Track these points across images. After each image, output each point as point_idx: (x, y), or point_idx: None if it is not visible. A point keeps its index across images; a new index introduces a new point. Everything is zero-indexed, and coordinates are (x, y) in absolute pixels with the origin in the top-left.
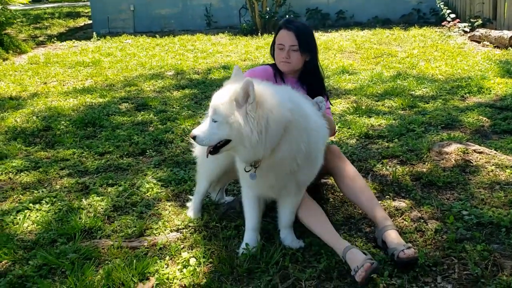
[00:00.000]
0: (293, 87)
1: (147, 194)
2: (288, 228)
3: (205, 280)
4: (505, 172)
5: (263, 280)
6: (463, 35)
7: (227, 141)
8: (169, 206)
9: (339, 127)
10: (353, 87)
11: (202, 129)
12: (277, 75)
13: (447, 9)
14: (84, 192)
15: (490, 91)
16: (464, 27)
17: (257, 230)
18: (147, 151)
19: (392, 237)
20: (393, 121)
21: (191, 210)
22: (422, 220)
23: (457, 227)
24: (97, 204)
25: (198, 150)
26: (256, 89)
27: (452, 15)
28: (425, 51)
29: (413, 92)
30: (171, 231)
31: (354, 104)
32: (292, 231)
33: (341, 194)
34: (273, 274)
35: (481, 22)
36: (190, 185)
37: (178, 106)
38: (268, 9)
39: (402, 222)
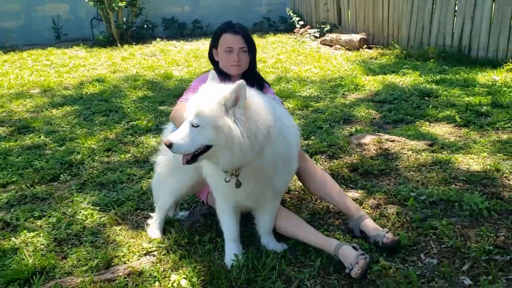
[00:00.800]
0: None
1: (87, 221)
2: (269, 233)
3: None
4: (422, 155)
5: None
6: (315, 40)
7: (207, 148)
8: (120, 230)
9: None
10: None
11: (179, 135)
12: (226, 80)
13: (296, 17)
14: (8, 230)
15: (365, 87)
16: (314, 32)
17: (238, 240)
18: (61, 175)
19: (370, 225)
20: (299, 121)
21: (154, 229)
22: (382, 207)
23: (416, 208)
24: (35, 241)
25: (162, 164)
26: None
27: (301, 22)
28: (290, 56)
29: (300, 94)
30: (140, 255)
31: None
32: (273, 235)
33: (296, 192)
34: (275, 279)
35: (329, 27)
36: (131, 205)
37: (68, 124)
38: (124, 19)
39: (364, 210)
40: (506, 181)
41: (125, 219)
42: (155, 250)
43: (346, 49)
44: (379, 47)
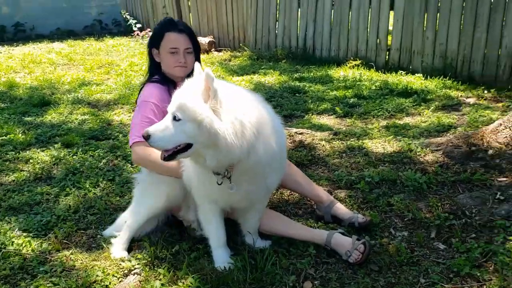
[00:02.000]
0: None
1: (24, 251)
2: (255, 232)
3: None
4: (334, 143)
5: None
6: None
7: (187, 146)
8: (73, 254)
9: None
10: (109, 98)
11: (159, 127)
12: (170, 86)
13: (133, 19)
14: None
15: None
16: None
17: (225, 245)
18: None
19: (342, 209)
20: None
21: (119, 249)
22: (332, 192)
23: (366, 189)
24: None
25: (142, 175)
26: (223, 89)
27: (139, 25)
28: (142, 58)
29: None
30: (121, 276)
31: None
32: (257, 233)
33: None
34: (282, 273)
35: None
36: (69, 225)
37: None
38: None
39: None
40: (421, 157)
41: (70, 242)
42: (137, 268)
43: None
44: (228, 50)
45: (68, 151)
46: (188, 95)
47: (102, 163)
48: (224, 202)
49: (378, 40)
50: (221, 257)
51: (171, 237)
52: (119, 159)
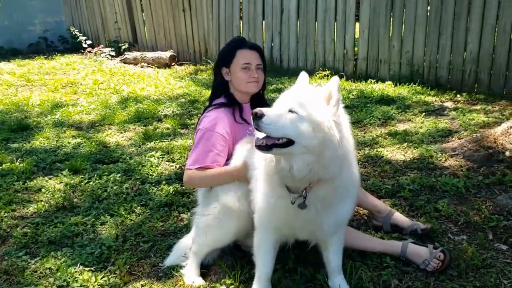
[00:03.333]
0: (244, 116)
1: (92, 287)
2: (338, 273)
3: None
4: None
5: None
6: (112, 59)
7: (287, 143)
8: (147, 286)
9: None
10: (91, 118)
11: (273, 112)
12: (235, 107)
13: (82, 36)
14: None
15: None
16: (110, 51)
17: (269, 279)
18: None
19: (402, 217)
20: None
21: (193, 276)
22: None
23: (409, 197)
24: None
25: (203, 207)
26: None
27: (89, 42)
28: (105, 76)
29: (161, 113)
30: None
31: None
32: (343, 277)
33: None
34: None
35: (127, 46)
36: (127, 256)
37: None
38: None
39: None
40: (444, 163)
41: (135, 273)
42: None
43: (156, 66)
44: (190, 64)
45: (81, 178)
46: (311, 95)
47: (124, 188)
48: (287, 228)
49: (345, 50)
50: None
51: (240, 259)
52: (138, 182)
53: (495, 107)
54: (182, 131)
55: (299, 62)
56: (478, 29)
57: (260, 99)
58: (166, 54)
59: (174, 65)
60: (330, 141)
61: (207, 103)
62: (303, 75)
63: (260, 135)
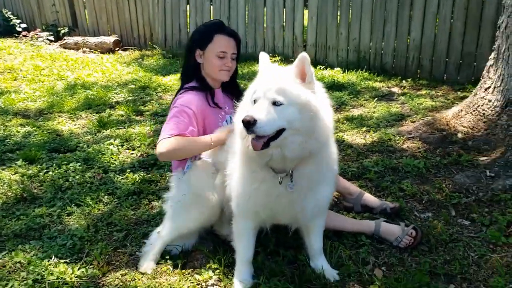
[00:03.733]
0: (223, 100)
1: (69, 279)
2: (319, 255)
3: None
4: None
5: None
6: (51, 43)
7: (278, 133)
8: (128, 275)
9: None
10: (38, 106)
11: (262, 112)
12: (207, 92)
13: (16, 19)
14: None
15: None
16: (48, 36)
17: (250, 263)
18: None
19: (371, 198)
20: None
21: (149, 261)
22: None
23: (374, 178)
24: None
25: (174, 193)
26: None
27: (23, 25)
28: (46, 62)
29: (114, 100)
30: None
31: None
32: (324, 258)
33: None
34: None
35: (67, 30)
36: (103, 246)
37: None
38: None
39: None
40: (402, 145)
41: (113, 263)
42: (212, 279)
43: (99, 52)
44: (135, 49)
45: (39, 168)
46: (285, 79)
47: (87, 177)
48: (267, 213)
49: (294, 36)
50: (242, 274)
51: (221, 245)
52: (100, 171)
53: (438, 92)
54: (138, 118)
55: (249, 47)
56: (420, 18)
57: (233, 85)
58: (109, 39)
59: (118, 50)
60: (318, 115)
61: (159, 89)
62: (264, 55)
63: (250, 136)
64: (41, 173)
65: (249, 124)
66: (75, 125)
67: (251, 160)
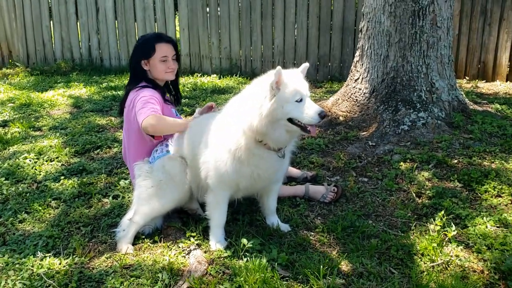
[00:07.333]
0: (166, 97)
1: (60, 268)
2: (274, 214)
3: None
4: None
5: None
6: None
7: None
8: (115, 257)
9: None
10: None
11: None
12: (160, 89)
13: None
14: None
15: (61, 103)
16: None
17: (223, 226)
18: None
19: (293, 170)
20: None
21: (125, 243)
22: None
23: None
24: None
25: (166, 167)
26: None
27: None
28: None
29: (0, 118)
30: (186, 254)
31: None
32: (276, 215)
33: None
34: (299, 218)
35: None
36: (77, 239)
37: None
38: None
39: None
40: None
41: (95, 250)
42: (193, 244)
43: None
44: None
45: None
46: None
47: (21, 188)
48: (250, 183)
49: None
50: (218, 237)
51: (187, 219)
52: (32, 181)
53: None
54: (36, 133)
55: (121, 60)
56: (281, 27)
57: (175, 83)
58: None
59: None
60: None
61: (45, 105)
62: (280, 68)
63: (283, 127)
64: None
65: (325, 117)
66: None
67: (254, 147)
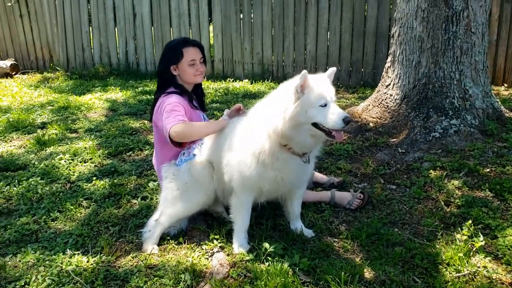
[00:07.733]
0: (194, 101)
1: (87, 266)
2: (298, 219)
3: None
4: None
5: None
6: None
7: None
8: (140, 256)
9: None
10: None
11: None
12: (188, 95)
13: None
14: None
15: (97, 106)
16: None
17: (246, 231)
18: None
19: (320, 175)
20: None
21: (151, 244)
22: None
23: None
24: None
25: (192, 170)
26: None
27: None
28: None
29: (37, 120)
30: (209, 256)
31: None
32: (301, 221)
33: None
34: (326, 224)
35: None
36: (105, 238)
37: None
38: None
39: None
40: None
41: (121, 250)
42: (217, 246)
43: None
44: (35, 72)
45: None
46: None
47: (55, 188)
48: (273, 187)
49: None
50: (241, 240)
51: (212, 222)
52: (66, 181)
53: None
54: (73, 135)
55: (157, 65)
56: (314, 33)
57: (198, 86)
58: (5, 63)
59: (15, 74)
60: None
61: (82, 108)
62: (305, 72)
63: (308, 131)
64: (4, 189)
65: (349, 122)
66: (10, 146)
67: (282, 150)
